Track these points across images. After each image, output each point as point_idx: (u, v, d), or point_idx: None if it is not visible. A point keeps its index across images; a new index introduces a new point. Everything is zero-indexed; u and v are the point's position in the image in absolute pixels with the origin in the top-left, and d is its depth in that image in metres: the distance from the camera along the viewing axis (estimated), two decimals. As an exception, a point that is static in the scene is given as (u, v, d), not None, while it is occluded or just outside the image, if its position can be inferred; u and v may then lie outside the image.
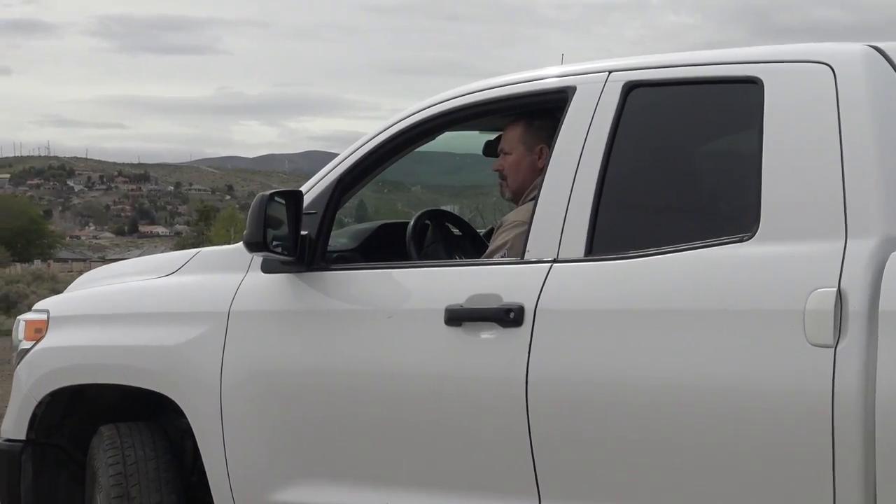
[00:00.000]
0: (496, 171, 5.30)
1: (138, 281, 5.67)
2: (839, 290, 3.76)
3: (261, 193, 4.86)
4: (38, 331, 5.75)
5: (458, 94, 4.92)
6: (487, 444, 4.37)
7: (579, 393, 4.11)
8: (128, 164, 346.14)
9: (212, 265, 5.35)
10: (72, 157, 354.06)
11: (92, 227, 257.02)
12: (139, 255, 5.50)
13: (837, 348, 3.71)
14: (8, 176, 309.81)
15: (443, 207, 6.12)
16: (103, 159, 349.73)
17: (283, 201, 4.80)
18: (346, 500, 4.74)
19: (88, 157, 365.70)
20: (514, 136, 5.24)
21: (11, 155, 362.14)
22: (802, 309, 3.78)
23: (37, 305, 6.01)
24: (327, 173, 5.07)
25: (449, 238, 5.74)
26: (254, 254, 4.93)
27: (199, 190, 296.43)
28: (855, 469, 3.66)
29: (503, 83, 4.84)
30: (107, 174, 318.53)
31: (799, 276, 3.86)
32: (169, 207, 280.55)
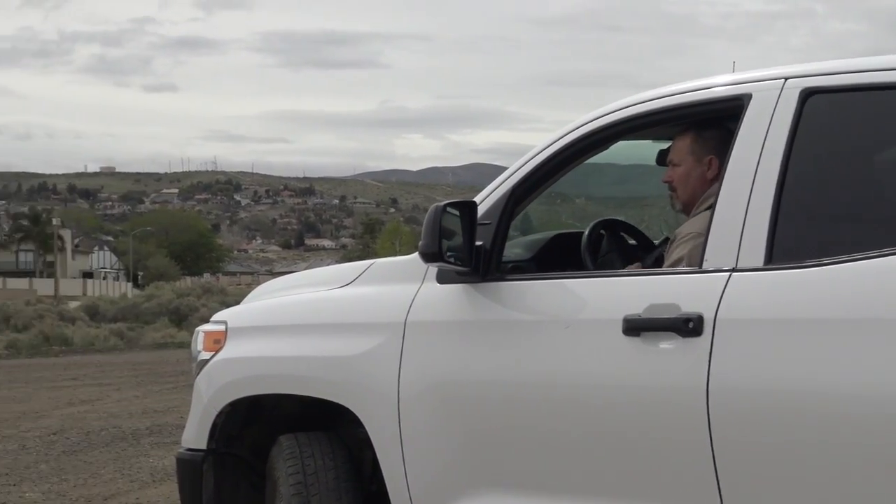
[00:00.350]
0: (666, 182, 5.25)
1: (314, 293, 5.72)
2: None
3: (435, 204, 4.85)
4: (217, 342, 5.82)
5: (629, 104, 4.86)
6: (670, 454, 4.30)
7: (761, 402, 4.04)
8: (293, 178, 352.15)
9: (386, 276, 5.37)
10: (238, 172, 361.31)
11: (259, 241, 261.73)
12: (306, 268, 5.58)
13: None
14: (176, 191, 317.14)
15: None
16: (269, 174, 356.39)
17: (458, 212, 4.80)
18: None
19: (254, 171, 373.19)
20: (683, 147, 5.19)
21: (180, 170, 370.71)
22: None
23: (215, 317, 6.06)
24: (500, 184, 5.04)
25: (624, 248, 5.68)
26: (429, 264, 4.91)
27: (364, 203, 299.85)
28: None
29: (676, 91, 4.78)
30: (272, 188, 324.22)
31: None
32: (334, 221, 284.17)
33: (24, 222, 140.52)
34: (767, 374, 4.07)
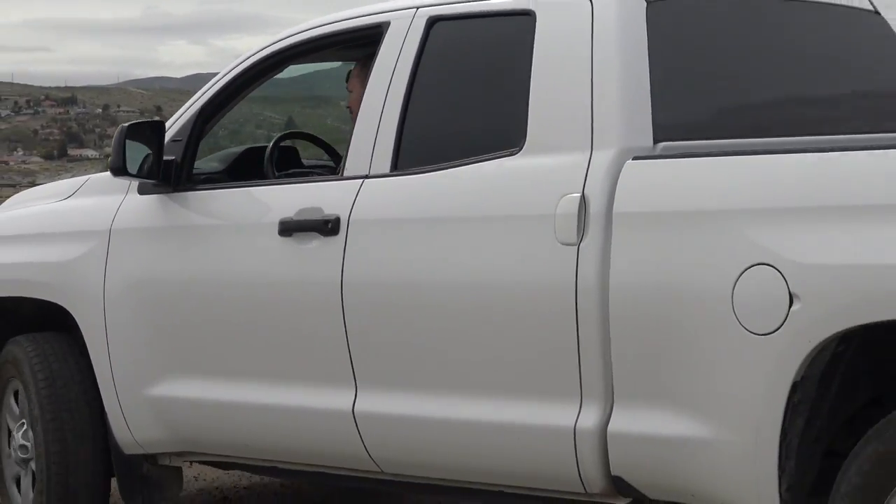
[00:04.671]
0: (347, 108, 5.67)
1: (42, 205, 6.13)
2: (583, 196, 4.18)
3: (121, 125, 5.39)
4: None
5: (295, 32, 5.38)
6: (315, 341, 4.90)
7: (382, 292, 4.68)
8: (55, 88, 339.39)
9: (99, 189, 5.79)
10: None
11: (21, 153, 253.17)
12: (69, 179, 6.09)
13: (580, 246, 4.16)
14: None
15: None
16: (30, 83, 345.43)
17: (147, 131, 5.35)
18: (205, 392, 5.31)
19: (14, 81, 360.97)
20: (354, 74, 5.63)
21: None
22: (553, 213, 4.22)
23: None
24: (190, 106, 5.54)
25: (296, 160, 6.12)
26: (118, 178, 5.43)
27: (128, 112, 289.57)
28: (595, 342, 4.15)
29: (332, 20, 5.29)
30: (34, 98, 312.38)
31: (553, 184, 4.27)
32: (98, 130, 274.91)
33: None
34: (387, 269, 4.68)
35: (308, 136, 6.37)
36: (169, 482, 5.77)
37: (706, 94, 4.51)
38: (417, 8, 4.94)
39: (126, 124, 5.34)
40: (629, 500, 4.28)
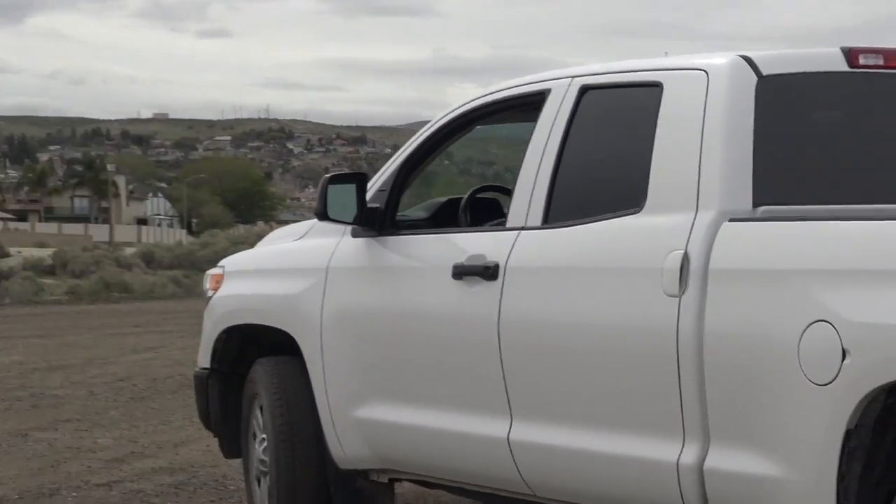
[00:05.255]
0: None
1: (282, 244, 6.85)
2: (685, 253, 4.57)
3: (324, 176, 5.98)
4: (218, 282, 6.92)
5: (478, 97, 5.92)
6: (477, 374, 5.43)
7: (530, 333, 5.16)
8: (346, 127, 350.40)
9: (323, 232, 6.34)
10: (291, 120, 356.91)
11: (311, 189, 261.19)
12: (305, 221, 6.72)
13: (682, 298, 4.56)
14: (230, 138, 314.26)
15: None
16: (322, 122, 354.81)
17: (350, 182, 5.95)
18: (395, 416, 5.83)
19: (307, 119, 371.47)
20: None
21: (233, 117, 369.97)
22: (661, 267, 4.61)
23: (220, 262, 7.17)
24: (393, 161, 6.11)
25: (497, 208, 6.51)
26: (323, 221, 6.06)
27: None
28: (693, 385, 4.52)
29: (509, 86, 5.79)
30: (325, 136, 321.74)
31: (662, 241, 4.66)
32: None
33: (79, 168, 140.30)
34: (533, 309, 5.13)
35: (501, 189, 6.67)
36: (381, 497, 6.32)
37: (808, 163, 4.79)
38: (573, 77, 5.38)
39: (329, 175, 6.03)
40: None
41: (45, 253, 50.25)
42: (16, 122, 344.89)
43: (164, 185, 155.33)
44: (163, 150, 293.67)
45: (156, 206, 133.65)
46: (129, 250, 55.79)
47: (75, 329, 21.62)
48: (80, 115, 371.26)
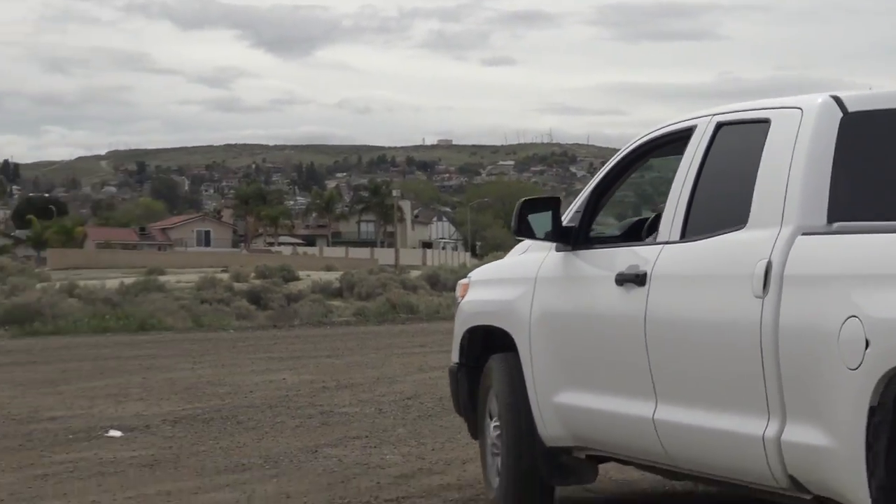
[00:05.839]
0: None
1: (511, 258, 8.06)
2: (769, 261, 5.54)
3: (519, 200, 7.18)
4: (465, 290, 8.19)
5: (646, 134, 7.03)
6: (631, 365, 6.49)
7: (664, 328, 6.26)
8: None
9: (538, 247, 7.47)
10: (573, 144, 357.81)
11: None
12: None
13: (764, 299, 5.53)
14: (512, 163, 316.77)
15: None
16: (604, 145, 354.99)
17: (543, 207, 7.18)
18: (580, 400, 6.94)
19: (590, 143, 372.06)
20: None
21: (515, 142, 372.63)
22: (752, 273, 5.60)
23: (469, 274, 8.47)
24: (587, 187, 7.29)
25: None
26: (522, 238, 7.38)
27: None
28: (773, 371, 5.50)
29: (671, 123, 6.89)
30: (607, 160, 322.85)
31: (755, 252, 5.64)
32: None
33: (365, 194, 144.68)
34: (667, 308, 6.21)
35: None
36: (584, 472, 7.40)
37: (882, 185, 5.67)
38: (713, 115, 6.47)
39: (523, 199, 7.22)
40: (810, 496, 5.51)
41: (332, 276, 51.60)
42: (305, 150, 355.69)
43: (447, 209, 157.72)
44: (447, 175, 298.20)
45: (440, 229, 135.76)
46: (415, 273, 56.77)
47: (362, 349, 22.01)
48: (366, 143, 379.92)
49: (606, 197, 7.31)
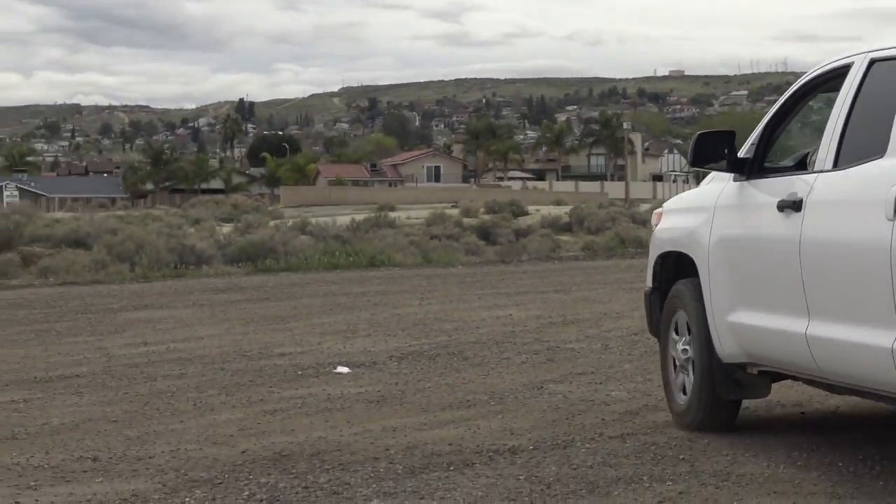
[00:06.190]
0: None
1: (697, 188, 8.79)
2: None
3: (696, 133, 7.84)
4: (659, 218, 8.91)
5: (816, 69, 7.50)
6: (789, 283, 7.07)
7: (817, 249, 6.82)
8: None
9: (720, 178, 8.14)
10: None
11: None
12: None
13: (895, 221, 6.05)
14: (746, 93, 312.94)
15: None
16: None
17: (719, 139, 7.82)
18: (749, 319, 7.54)
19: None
20: None
21: (749, 72, 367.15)
22: (884, 198, 6.12)
23: (664, 203, 9.19)
24: (762, 121, 7.83)
25: None
26: (695, 168, 7.97)
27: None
28: None
29: (833, 60, 7.38)
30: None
31: (890, 178, 6.15)
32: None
33: (595, 127, 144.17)
34: (818, 231, 6.76)
35: None
36: (757, 387, 8.03)
37: None
38: (869, 52, 6.90)
39: (699, 132, 7.89)
40: None
41: (561, 210, 51.41)
42: (535, 83, 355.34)
43: (679, 141, 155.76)
44: (678, 106, 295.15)
45: (671, 162, 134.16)
46: (644, 207, 56.21)
47: (590, 284, 21.91)
48: (597, 76, 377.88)
49: (780, 130, 7.87)
